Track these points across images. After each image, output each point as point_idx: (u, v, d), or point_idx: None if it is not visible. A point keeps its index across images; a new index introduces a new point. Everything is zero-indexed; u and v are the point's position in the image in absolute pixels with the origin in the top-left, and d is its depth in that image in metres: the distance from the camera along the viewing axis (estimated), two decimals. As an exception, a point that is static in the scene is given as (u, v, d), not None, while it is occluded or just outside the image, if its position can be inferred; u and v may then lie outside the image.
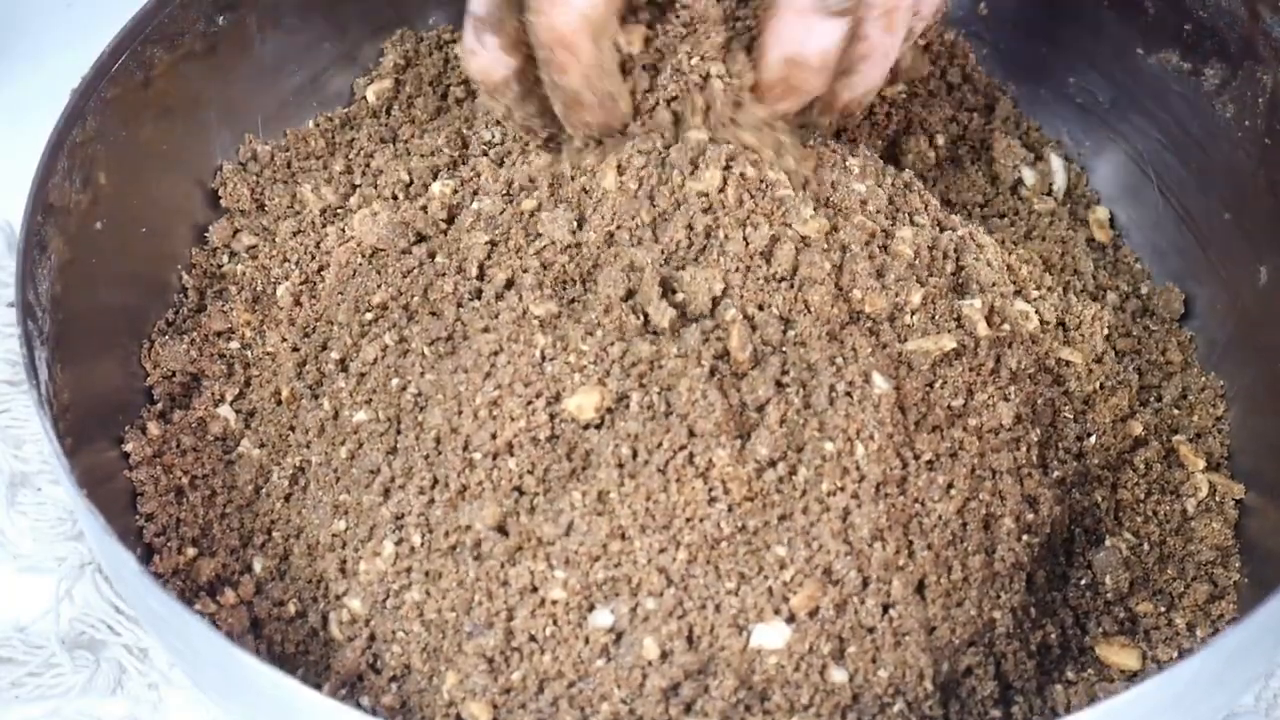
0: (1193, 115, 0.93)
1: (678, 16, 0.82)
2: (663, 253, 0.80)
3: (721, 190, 0.80)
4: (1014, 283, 0.87)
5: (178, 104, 0.93)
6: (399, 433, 0.80)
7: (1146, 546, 0.83)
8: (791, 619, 0.73)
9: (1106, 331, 0.90)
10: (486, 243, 0.83)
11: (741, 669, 0.72)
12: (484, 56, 0.82)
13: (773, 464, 0.74)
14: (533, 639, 0.74)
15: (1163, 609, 0.81)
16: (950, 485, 0.76)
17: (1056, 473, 0.82)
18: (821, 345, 0.77)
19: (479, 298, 0.81)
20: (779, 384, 0.76)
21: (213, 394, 0.88)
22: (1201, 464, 0.87)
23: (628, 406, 0.75)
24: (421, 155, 0.95)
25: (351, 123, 1.01)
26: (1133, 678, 0.77)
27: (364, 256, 0.89)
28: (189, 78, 0.93)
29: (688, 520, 0.73)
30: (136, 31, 0.89)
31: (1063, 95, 1.01)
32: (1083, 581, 0.82)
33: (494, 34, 0.80)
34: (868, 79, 0.84)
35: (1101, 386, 0.88)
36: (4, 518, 0.90)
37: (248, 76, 0.97)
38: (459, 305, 0.81)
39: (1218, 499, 0.86)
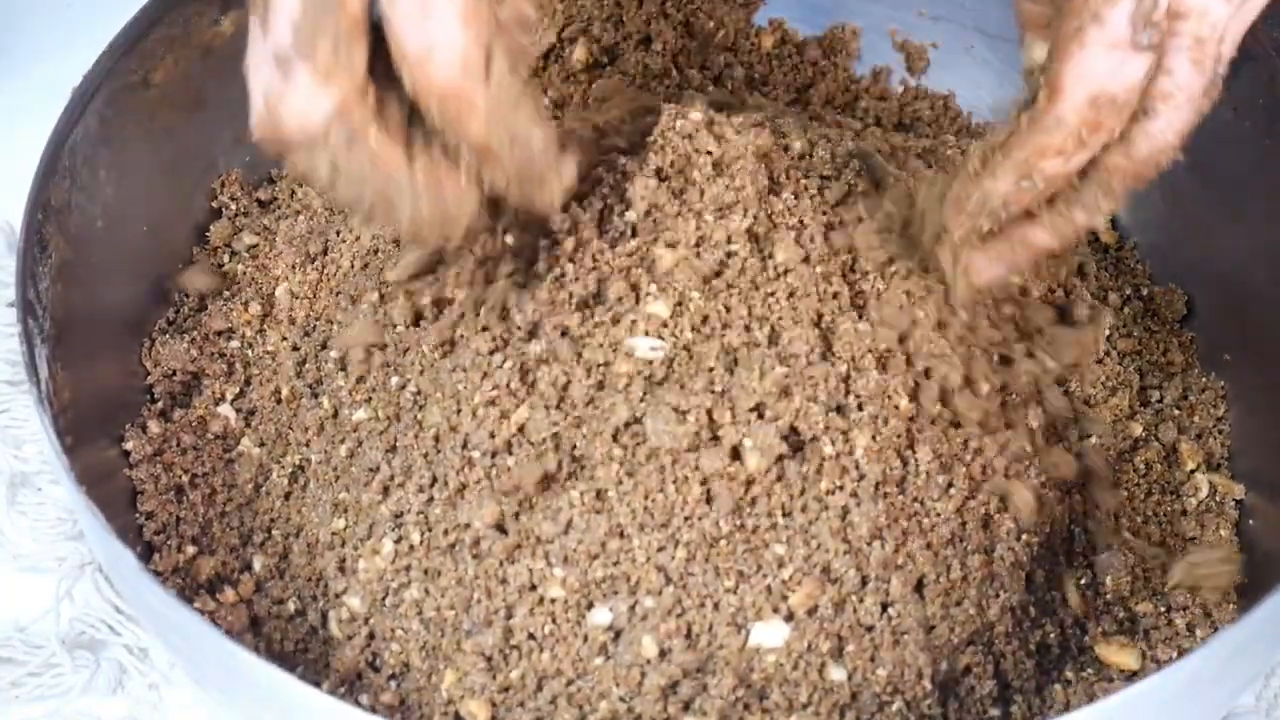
0: (1193, 116, 0.93)
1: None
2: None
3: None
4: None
5: (178, 104, 0.93)
6: (398, 431, 0.80)
7: (1147, 546, 0.83)
8: (790, 617, 0.73)
9: (1107, 332, 0.90)
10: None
11: (740, 667, 0.72)
12: (295, 99, 0.67)
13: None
14: (531, 637, 0.74)
15: (1163, 609, 0.81)
16: (949, 484, 0.76)
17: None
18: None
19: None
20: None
21: (213, 393, 0.88)
22: (1202, 464, 0.87)
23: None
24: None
25: None
26: (1132, 677, 0.77)
27: (364, 257, 0.89)
28: (190, 77, 0.93)
29: (686, 519, 0.73)
30: (137, 31, 0.89)
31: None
32: (1083, 582, 0.81)
33: (304, 61, 0.66)
34: (1172, 124, 0.73)
35: (1102, 387, 0.88)
36: (4, 518, 0.89)
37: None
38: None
39: (1218, 499, 0.86)
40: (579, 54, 1.02)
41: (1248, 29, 0.81)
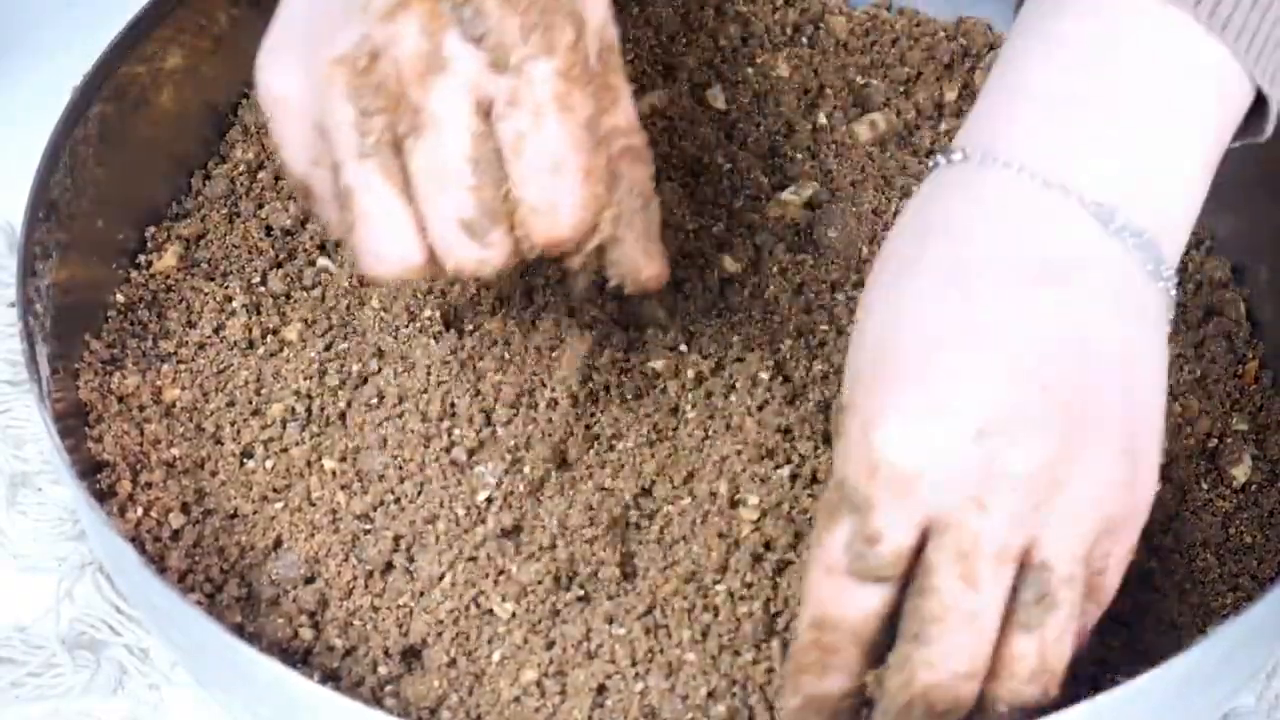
0: (1193, 115, 0.93)
1: None
2: None
3: None
4: None
5: (179, 103, 0.93)
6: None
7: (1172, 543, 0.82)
8: None
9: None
10: None
11: None
12: (491, 252, 0.73)
13: None
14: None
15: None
16: None
17: None
18: None
19: None
20: None
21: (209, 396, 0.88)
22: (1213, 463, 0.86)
23: None
24: None
25: None
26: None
27: None
28: (191, 77, 0.93)
29: None
30: (138, 31, 0.89)
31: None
32: None
33: (499, 223, 0.72)
34: (946, 651, 0.65)
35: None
36: (4, 518, 0.89)
37: (250, 77, 0.96)
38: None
39: (1225, 499, 0.85)
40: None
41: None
